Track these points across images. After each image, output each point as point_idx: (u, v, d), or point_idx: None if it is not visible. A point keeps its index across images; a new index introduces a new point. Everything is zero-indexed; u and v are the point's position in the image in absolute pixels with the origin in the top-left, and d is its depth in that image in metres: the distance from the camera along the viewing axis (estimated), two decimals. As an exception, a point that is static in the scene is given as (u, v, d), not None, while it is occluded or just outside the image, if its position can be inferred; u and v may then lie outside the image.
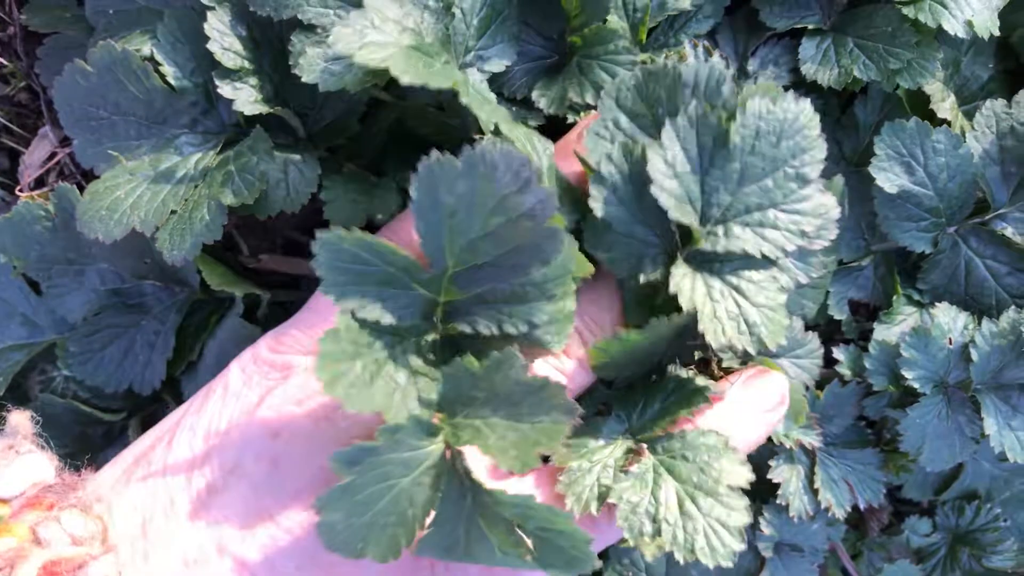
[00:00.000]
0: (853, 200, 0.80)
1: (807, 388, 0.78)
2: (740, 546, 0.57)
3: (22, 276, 0.79)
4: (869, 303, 0.84)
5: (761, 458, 0.83)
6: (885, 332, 0.79)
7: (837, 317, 0.82)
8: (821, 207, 0.58)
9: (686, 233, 0.60)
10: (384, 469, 0.49)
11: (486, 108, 0.60)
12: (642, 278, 0.61)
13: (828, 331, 0.87)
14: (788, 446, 0.80)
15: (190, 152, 0.72)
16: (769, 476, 0.81)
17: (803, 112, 0.57)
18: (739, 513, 0.58)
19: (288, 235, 0.83)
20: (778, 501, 0.81)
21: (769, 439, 0.77)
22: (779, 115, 0.57)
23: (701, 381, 0.62)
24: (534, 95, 0.72)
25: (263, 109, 0.69)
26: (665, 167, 0.57)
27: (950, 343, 0.76)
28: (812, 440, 0.80)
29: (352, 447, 0.48)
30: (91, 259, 0.77)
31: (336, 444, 0.58)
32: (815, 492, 0.81)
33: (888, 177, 0.75)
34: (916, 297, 0.81)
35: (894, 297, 0.80)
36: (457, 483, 0.52)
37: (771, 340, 0.58)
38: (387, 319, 0.53)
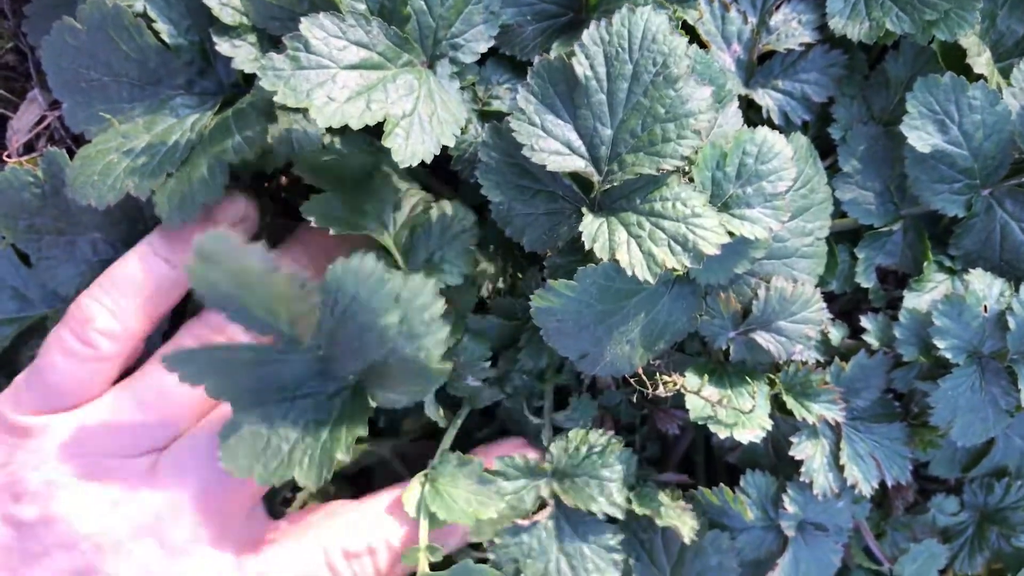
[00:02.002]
0: (882, 162, 0.77)
1: (819, 363, 0.76)
2: None
3: (11, 247, 0.75)
4: (898, 270, 0.80)
5: (782, 434, 0.80)
6: (915, 300, 0.76)
7: (864, 285, 0.78)
8: (704, 102, 0.56)
9: (586, 183, 0.59)
10: None
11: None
12: (561, 244, 0.61)
13: (855, 299, 0.83)
14: (811, 421, 0.76)
15: (186, 114, 0.69)
16: (791, 453, 0.78)
17: (648, 20, 0.56)
18: None
19: (290, 201, 0.80)
20: (801, 479, 0.78)
21: (791, 414, 0.74)
22: (623, 34, 0.56)
23: None
24: (552, 55, 0.68)
25: (264, 66, 0.66)
26: (530, 128, 0.57)
27: (985, 311, 0.73)
28: (836, 415, 0.77)
29: None
30: (82, 228, 0.73)
31: (68, 513, 0.61)
32: (840, 468, 0.78)
33: (920, 136, 0.71)
34: (948, 263, 0.78)
35: (925, 263, 0.77)
36: None
37: (710, 246, 0.56)
38: None
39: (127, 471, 0.63)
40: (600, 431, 0.70)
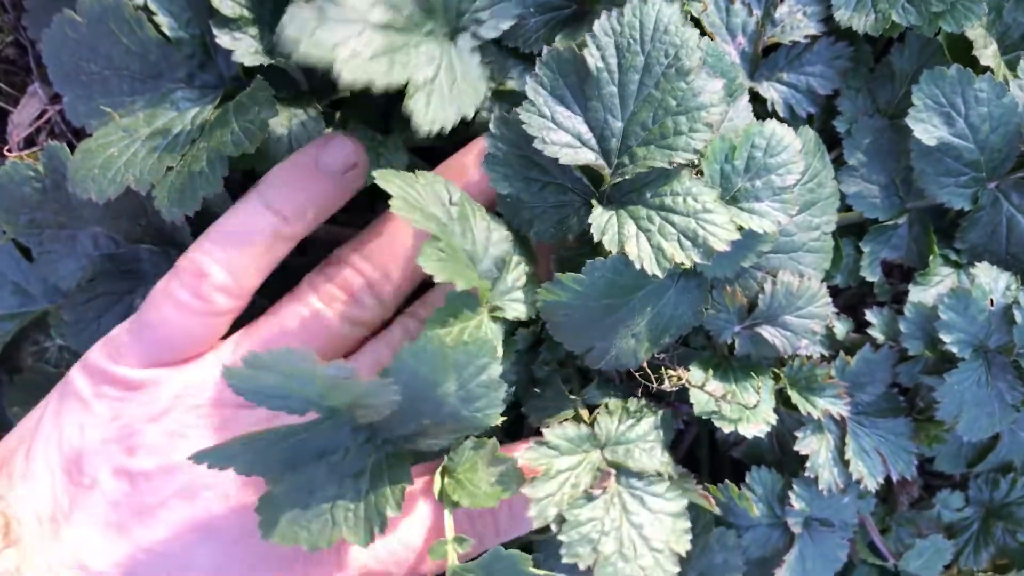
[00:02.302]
0: (887, 155, 0.76)
1: (824, 358, 0.75)
2: None
3: (12, 242, 0.75)
4: (903, 264, 0.80)
5: (787, 429, 0.80)
6: (921, 294, 0.75)
7: (869, 279, 0.78)
8: (716, 95, 0.56)
9: (596, 176, 0.58)
10: None
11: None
12: (571, 238, 0.60)
13: (860, 293, 0.83)
14: (816, 416, 0.76)
15: (187, 107, 0.69)
16: (796, 448, 0.77)
17: (660, 10, 0.56)
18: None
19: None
20: (807, 474, 0.77)
21: (796, 408, 0.74)
22: (635, 24, 0.55)
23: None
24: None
25: (264, 60, 0.65)
26: (540, 120, 0.56)
27: (991, 305, 0.72)
28: (841, 409, 0.76)
29: None
30: (83, 222, 0.73)
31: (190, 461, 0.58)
32: (845, 464, 0.78)
33: (926, 129, 0.71)
34: (953, 257, 0.77)
35: (930, 257, 0.76)
36: None
37: (719, 242, 0.55)
38: None
39: (247, 421, 0.61)
40: (633, 399, 0.68)
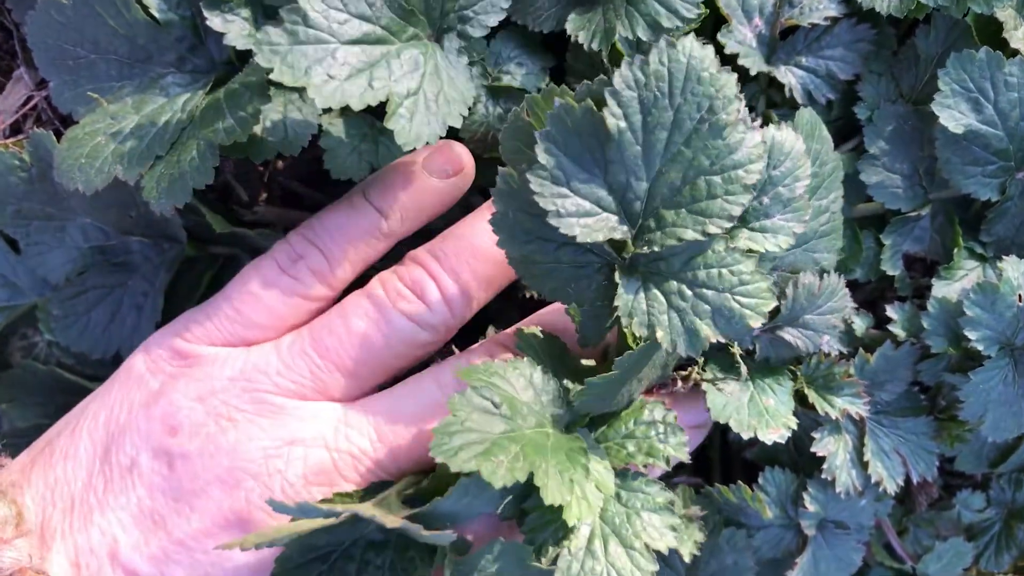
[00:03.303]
0: (910, 143, 0.73)
1: (842, 355, 0.72)
2: None
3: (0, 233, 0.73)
4: (926, 257, 0.76)
5: (803, 429, 0.77)
6: (945, 288, 0.72)
7: (890, 273, 0.75)
8: (756, 149, 0.49)
9: (619, 242, 0.52)
10: None
11: None
12: (594, 301, 0.55)
13: (880, 288, 0.80)
14: (834, 416, 0.73)
15: (177, 92, 0.66)
16: (813, 449, 0.74)
17: (691, 55, 0.48)
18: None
19: (287, 185, 0.76)
20: (823, 475, 0.75)
21: (813, 408, 0.71)
22: (663, 75, 0.48)
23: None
24: (569, 27, 0.64)
25: (257, 43, 0.62)
26: (553, 187, 0.49)
27: (1020, 300, 0.69)
28: (860, 409, 0.73)
29: None
30: (72, 213, 0.70)
31: (235, 447, 0.56)
32: (864, 465, 0.75)
33: (953, 115, 0.67)
34: (979, 250, 0.74)
35: (955, 250, 0.73)
36: None
37: (756, 319, 0.51)
38: None
39: (301, 413, 0.59)
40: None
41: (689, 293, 0.51)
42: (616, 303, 0.51)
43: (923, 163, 0.73)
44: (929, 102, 0.68)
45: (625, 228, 0.51)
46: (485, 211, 0.63)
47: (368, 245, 0.63)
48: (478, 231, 0.64)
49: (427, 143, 0.57)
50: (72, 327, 0.71)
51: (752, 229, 0.55)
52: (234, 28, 0.62)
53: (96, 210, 0.70)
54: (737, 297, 0.51)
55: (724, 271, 0.51)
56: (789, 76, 0.72)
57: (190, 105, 0.64)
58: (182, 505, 0.56)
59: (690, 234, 0.49)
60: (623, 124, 0.48)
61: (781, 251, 0.56)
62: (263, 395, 0.59)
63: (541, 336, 0.58)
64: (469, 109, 0.60)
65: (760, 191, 0.55)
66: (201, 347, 0.62)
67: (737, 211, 0.49)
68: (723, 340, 0.51)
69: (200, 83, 0.66)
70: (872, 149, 0.73)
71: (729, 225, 0.50)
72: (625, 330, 0.54)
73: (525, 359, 0.56)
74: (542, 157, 0.48)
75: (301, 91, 0.66)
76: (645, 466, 0.59)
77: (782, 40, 0.72)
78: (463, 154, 0.65)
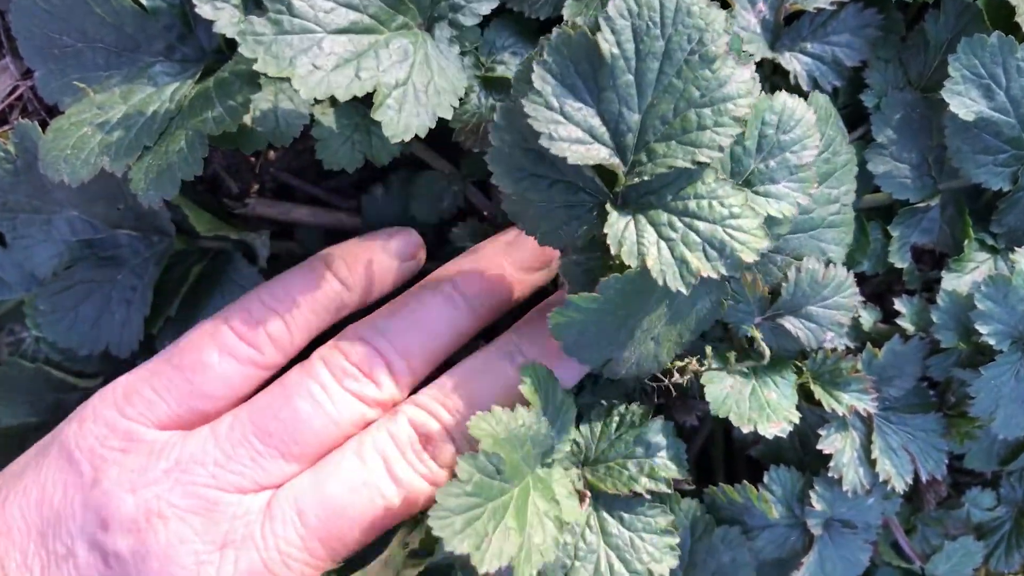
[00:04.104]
0: (919, 132, 0.71)
1: (849, 350, 0.71)
2: None
3: (-15, 227, 0.71)
4: (935, 249, 0.75)
5: (809, 426, 0.75)
6: (955, 281, 0.70)
7: (898, 265, 0.73)
8: (745, 84, 0.50)
9: (610, 175, 0.52)
10: None
11: None
12: (579, 243, 0.55)
13: (888, 281, 0.78)
14: (841, 412, 0.71)
15: (166, 82, 0.65)
16: (819, 446, 0.73)
17: None
18: None
19: (278, 177, 0.75)
20: (830, 473, 0.73)
21: (819, 404, 0.69)
22: (655, 5, 0.50)
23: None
24: (566, 12, 0.63)
25: (247, 30, 0.61)
26: (548, 112, 0.50)
27: (1033, 293, 0.67)
28: (867, 405, 0.71)
29: None
30: (59, 206, 0.69)
31: (166, 550, 0.55)
32: (872, 463, 0.73)
33: (963, 102, 0.66)
34: (990, 242, 0.72)
35: (965, 242, 0.71)
36: None
37: (749, 253, 0.50)
38: None
39: (235, 509, 0.57)
40: (626, 404, 0.64)
41: (679, 224, 0.51)
42: (605, 231, 0.51)
43: (932, 152, 0.72)
44: (938, 89, 0.67)
45: (617, 161, 0.52)
46: (432, 285, 0.64)
47: (329, 315, 0.64)
48: (428, 305, 0.63)
49: (416, 135, 0.55)
50: (59, 323, 0.70)
51: (755, 192, 0.55)
52: (224, 16, 0.60)
53: (83, 203, 0.69)
54: (728, 230, 0.51)
55: (714, 202, 0.52)
56: (794, 63, 0.70)
57: (179, 95, 0.63)
58: None
59: (680, 163, 0.51)
60: (616, 51, 0.50)
61: (783, 219, 0.56)
62: (198, 489, 0.57)
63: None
64: (460, 100, 0.59)
65: (767, 154, 0.55)
66: (140, 427, 0.59)
67: (726, 142, 0.50)
68: (714, 275, 0.50)
69: (189, 72, 0.64)
70: (879, 138, 0.71)
71: (719, 155, 0.50)
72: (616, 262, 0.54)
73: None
74: (538, 83, 0.50)
75: (288, 81, 0.65)
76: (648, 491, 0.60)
77: (786, 26, 0.71)
78: (421, 243, 0.69)
